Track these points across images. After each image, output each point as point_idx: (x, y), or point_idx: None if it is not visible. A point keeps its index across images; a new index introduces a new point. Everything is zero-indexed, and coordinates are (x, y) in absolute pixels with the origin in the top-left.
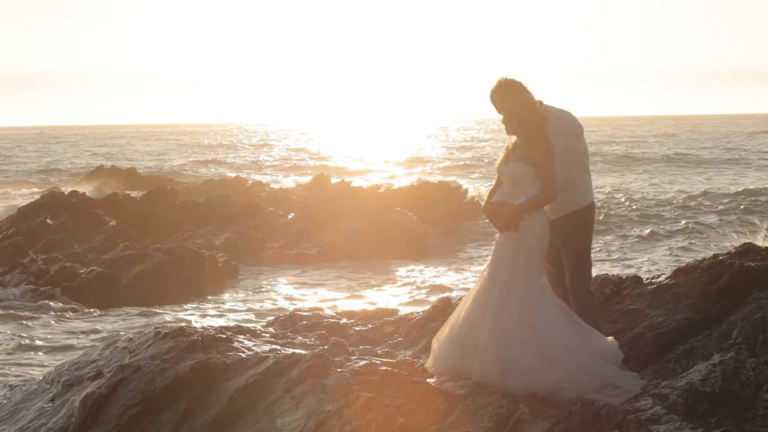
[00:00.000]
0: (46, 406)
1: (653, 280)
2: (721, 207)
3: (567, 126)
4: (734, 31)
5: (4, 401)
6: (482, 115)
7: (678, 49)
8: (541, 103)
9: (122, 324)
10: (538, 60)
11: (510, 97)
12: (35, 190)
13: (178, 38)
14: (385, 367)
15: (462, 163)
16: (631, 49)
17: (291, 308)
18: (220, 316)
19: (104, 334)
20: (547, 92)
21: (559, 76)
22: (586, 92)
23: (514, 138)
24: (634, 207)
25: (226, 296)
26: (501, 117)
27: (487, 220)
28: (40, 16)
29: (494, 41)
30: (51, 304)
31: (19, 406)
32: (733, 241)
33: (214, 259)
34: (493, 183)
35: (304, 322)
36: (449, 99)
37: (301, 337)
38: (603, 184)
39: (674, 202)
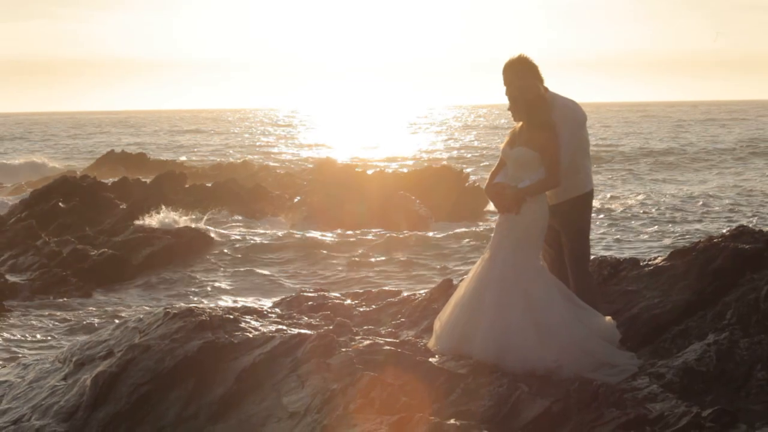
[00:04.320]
0: (58, 384)
1: (650, 263)
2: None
3: (572, 114)
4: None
5: (18, 380)
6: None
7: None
8: (546, 89)
9: (132, 304)
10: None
11: (521, 79)
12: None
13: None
14: (388, 347)
15: (464, 151)
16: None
17: (297, 289)
18: (227, 296)
19: (115, 315)
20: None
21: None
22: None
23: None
24: (636, 195)
25: (232, 277)
26: (507, 104)
27: (488, 204)
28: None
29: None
30: (63, 285)
31: (32, 384)
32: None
33: (221, 241)
34: (495, 164)
35: (309, 303)
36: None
37: (306, 318)
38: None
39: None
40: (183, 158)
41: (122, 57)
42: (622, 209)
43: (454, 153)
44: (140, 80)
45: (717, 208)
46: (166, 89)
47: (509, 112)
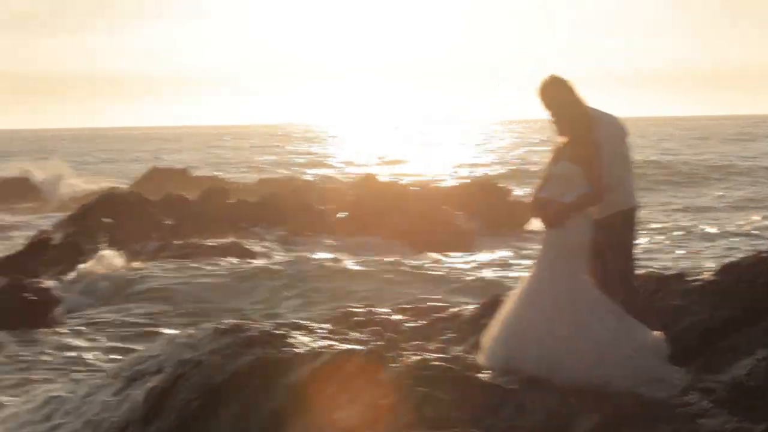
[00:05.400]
0: (109, 399)
1: (697, 277)
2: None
3: (615, 129)
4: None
5: (70, 395)
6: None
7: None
8: (588, 105)
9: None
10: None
11: (560, 97)
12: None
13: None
14: (437, 363)
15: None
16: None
17: (345, 305)
18: (276, 311)
19: (164, 330)
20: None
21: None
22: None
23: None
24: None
25: (280, 293)
26: (549, 118)
27: (532, 219)
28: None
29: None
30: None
31: (84, 399)
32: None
33: (266, 255)
34: (540, 180)
35: (357, 318)
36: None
37: (355, 333)
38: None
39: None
40: (220, 172)
41: (143, 72)
42: (668, 223)
43: (498, 167)
44: (158, 96)
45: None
46: (190, 104)
47: (552, 127)
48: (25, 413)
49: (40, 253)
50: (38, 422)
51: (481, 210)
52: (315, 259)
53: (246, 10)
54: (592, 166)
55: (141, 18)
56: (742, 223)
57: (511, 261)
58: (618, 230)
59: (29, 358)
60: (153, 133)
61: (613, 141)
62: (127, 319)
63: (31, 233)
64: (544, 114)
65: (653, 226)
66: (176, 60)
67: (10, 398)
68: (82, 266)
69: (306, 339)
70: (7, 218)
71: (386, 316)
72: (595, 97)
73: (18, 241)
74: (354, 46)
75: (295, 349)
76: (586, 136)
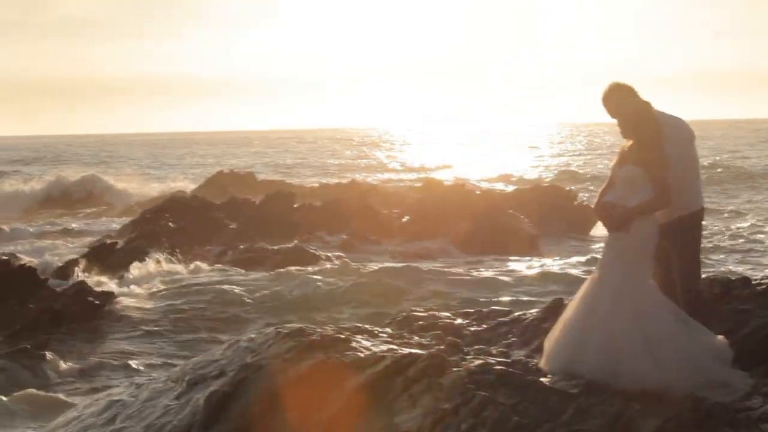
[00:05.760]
0: (171, 403)
1: (762, 281)
2: None
3: (681, 132)
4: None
5: (132, 399)
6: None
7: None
8: (653, 108)
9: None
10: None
11: (624, 102)
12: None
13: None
14: (499, 367)
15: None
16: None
17: (407, 308)
18: (338, 316)
19: (225, 335)
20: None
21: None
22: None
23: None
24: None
25: (343, 297)
26: (614, 121)
27: (597, 223)
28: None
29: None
30: None
31: (145, 403)
32: None
33: (330, 260)
34: (605, 183)
35: (420, 323)
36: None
37: (417, 337)
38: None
39: None
40: (284, 177)
41: (204, 76)
42: (734, 228)
43: (560, 171)
44: (222, 100)
45: None
46: (253, 108)
47: (617, 129)
48: (88, 417)
49: (104, 256)
50: (100, 426)
51: (545, 214)
52: (378, 263)
53: (305, 15)
54: (657, 169)
55: (203, 23)
56: None
57: (574, 265)
58: (683, 234)
59: (92, 360)
60: (217, 137)
61: (679, 144)
62: (188, 323)
63: (96, 237)
64: (601, 118)
65: (718, 229)
66: (239, 64)
67: (74, 401)
68: (145, 270)
69: (368, 343)
70: (73, 223)
71: (448, 320)
72: (657, 101)
73: (83, 244)
74: (405, 48)
75: (357, 353)
76: (651, 139)
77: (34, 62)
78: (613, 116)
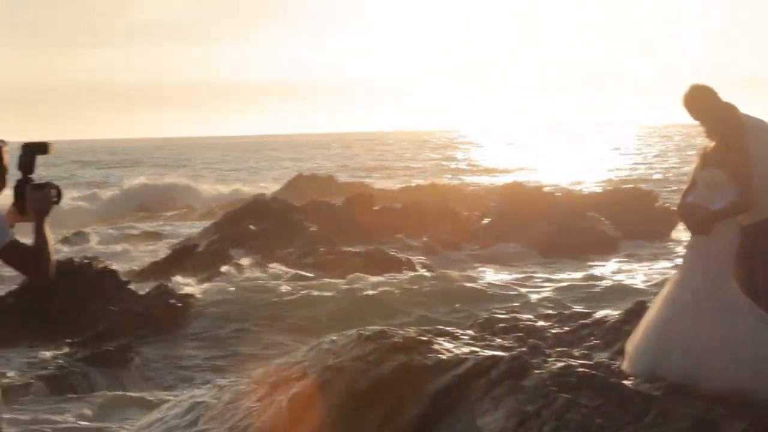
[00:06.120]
0: (253, 405)
1: None
2: None
3: (765, 134)
4: None
5: (215, 400)
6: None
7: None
8: (738, 110)
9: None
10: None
11: (708, 103)
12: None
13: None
14: (582, 369)
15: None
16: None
17: (489, 310)
18: (419, 318)
19: (305, 338)
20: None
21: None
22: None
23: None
24: None
25: (423, 299)
26: (697, 123)
27: (679, 225)
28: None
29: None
30: None
31: (228, 405)
32: None
33: (411, 262)
34: (687, 185)
35: (501, 325)
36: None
37: (499, 339)
38: None
39: None
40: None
41: (268, 79)
42: None
43: (639, 172)
44: (299, 103)
45: None
46: (333, 111)
47: (701, 132)
48: (171, 418)
49: (186, 259)
50: (183, 427)
51: (627, 216)
52: (458, 266)
53: (376, 18)
54: (741, 171)
55: (281, 26)
56: None
57: (656, 267)
58: (765, 237)
59: (174, 362)
60: (296, 140)
61: (763, 146)
62: (269, 325)
63: (177, 240)
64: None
65: None
66: (315, 67)
67: (156, 402)
68: (226, 272)
69: (450, 345)
70: (155, 225)
71: (530, 322)
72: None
73: (165, 247)
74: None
75: (439, 356)
76: (735, 141)
77: (107, 67)
78: (695, 118)
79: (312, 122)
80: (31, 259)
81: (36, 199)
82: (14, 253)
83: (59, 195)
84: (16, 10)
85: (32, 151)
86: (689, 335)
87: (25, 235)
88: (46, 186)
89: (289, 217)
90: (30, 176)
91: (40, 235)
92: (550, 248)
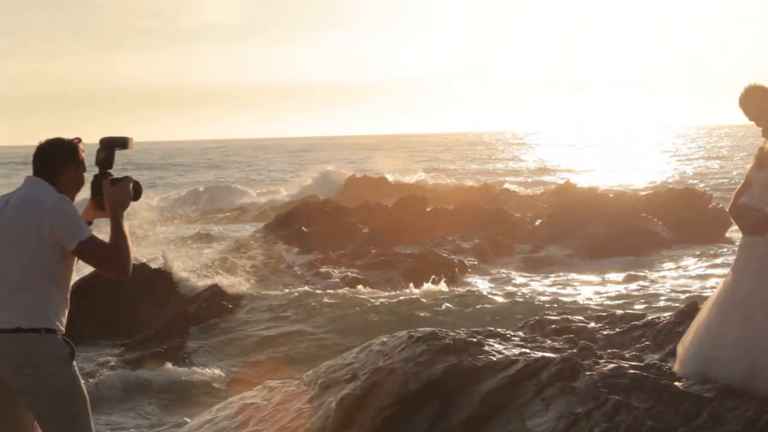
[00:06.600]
0: (304, 407)
1: None
2: None
3: None
4: None
5: (265, 402)
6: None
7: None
8: None
9: None
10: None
11: (765, 104)
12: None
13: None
14: (633, 371)
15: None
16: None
17: (540, 312)
18: (469, 320)
19: (355, 339)
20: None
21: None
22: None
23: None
24: None
25: (475, 301)
26: (752, 123)
27: (732, 226)
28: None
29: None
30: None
31: (278, 407)
32: None
33: (463, 264)
34: (741, 185)
35: (552, 326)
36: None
37: (549, 341)
38: None
39: None
40: (418, 176)
41: (327, 81)
42: None
43: (691, 173)
44: (358, 105)
45: None
46: (373, 114)
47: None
48: (221, 419)
49: (238, 260)
50: (234, 429)
51: (680, 217)
52: (510, 267)
53: (428, 20)
54: None
55: (341, 28)
56: None
57: (708, 268)
58: None
59: (225, 363)
60: (355, 141)
61: None
62: (320, 327)
63: (230, 242)
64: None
65: None
66: (378, 69)
67: (207, 403)
68: (278, 274)
69: (500, 347)
70: (208, 227)
71: (581, 324)
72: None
73: (217, 249)
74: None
75: (490, 357)
76: None
77: (165, 70)
78: (751, 118)
79: (365, 124)
80: (109, 256)
81: (113, 194)
82: (92, 250)
83: (138, 190)
84: (74, 12)
85: (112, 145)
86: (741, 337)
87: (102, 232)
88: (124, 180)
89: (341, 219)
90: (108, 171)
91: (117, 231)
92: (603, 250)
